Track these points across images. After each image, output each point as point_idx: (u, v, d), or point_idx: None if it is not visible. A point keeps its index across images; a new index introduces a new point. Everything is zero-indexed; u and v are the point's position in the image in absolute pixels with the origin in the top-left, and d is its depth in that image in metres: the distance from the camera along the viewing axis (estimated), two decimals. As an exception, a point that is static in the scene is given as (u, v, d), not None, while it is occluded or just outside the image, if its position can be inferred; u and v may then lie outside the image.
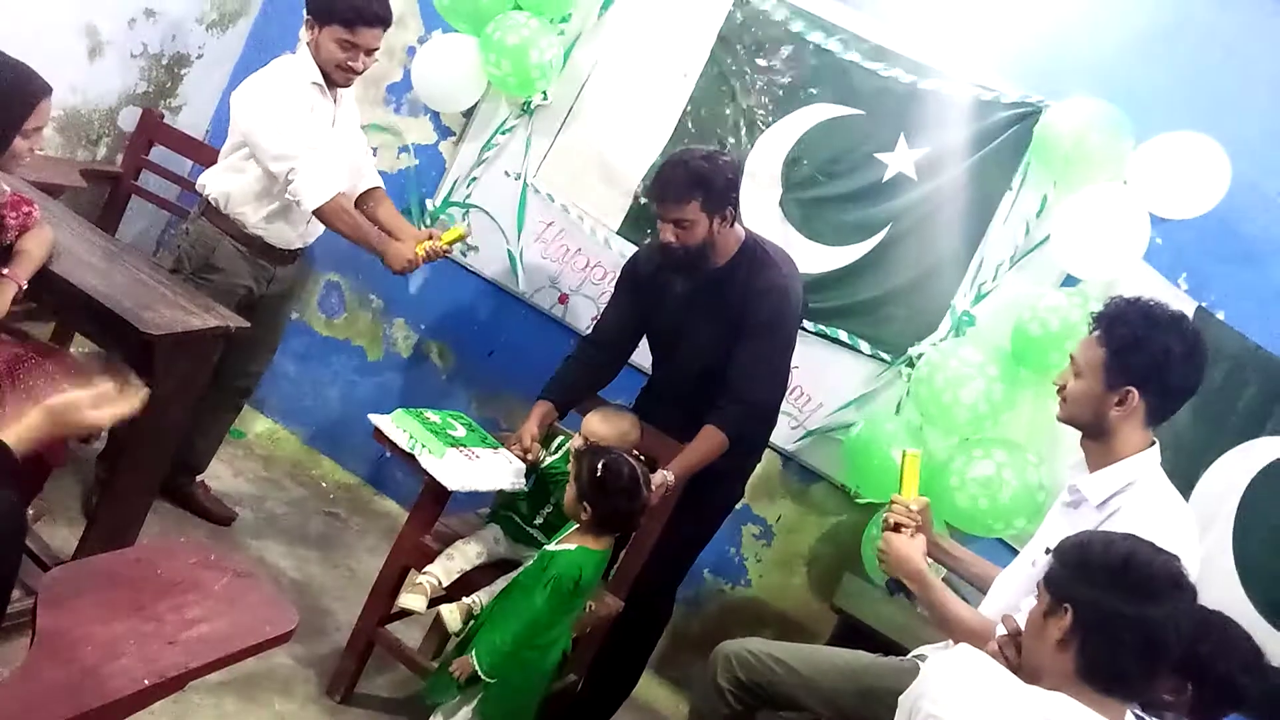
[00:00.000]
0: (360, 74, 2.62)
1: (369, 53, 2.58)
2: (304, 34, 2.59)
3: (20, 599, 2.15)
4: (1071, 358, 1.89)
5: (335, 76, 2.59)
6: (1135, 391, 1.79)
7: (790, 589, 3.15)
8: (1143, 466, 1.82)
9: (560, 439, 2.56)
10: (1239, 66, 2.72)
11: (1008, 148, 2.85)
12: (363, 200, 2.85)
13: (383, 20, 2.56)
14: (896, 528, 2.00)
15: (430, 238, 2.71)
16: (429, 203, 3.42)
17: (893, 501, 2.05)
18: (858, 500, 2.98)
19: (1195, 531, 1.80)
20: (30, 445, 1.58)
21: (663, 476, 2.34)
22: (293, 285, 2.88)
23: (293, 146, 2.50)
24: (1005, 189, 2.87)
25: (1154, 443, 1.85)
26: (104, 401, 1.64)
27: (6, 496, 1.67)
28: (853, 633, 2.57)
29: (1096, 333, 1.84)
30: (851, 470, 2.93)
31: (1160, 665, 1.43)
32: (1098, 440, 1.87)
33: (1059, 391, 1.91)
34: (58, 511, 2.61)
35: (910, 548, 1.96)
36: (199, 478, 2.96)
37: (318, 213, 2.56)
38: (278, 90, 2.54)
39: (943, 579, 2.14)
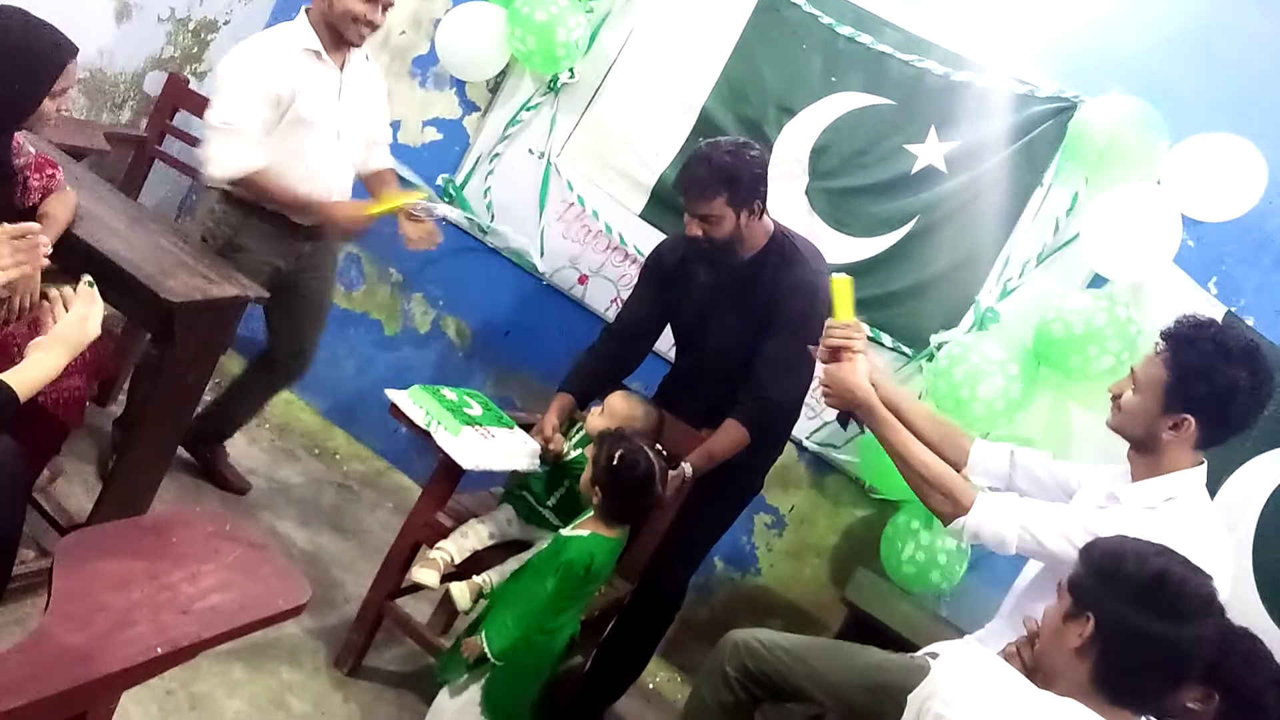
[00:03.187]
0: (376, 28, 2.55)
1: (385, 7, 2.53)
2: None
3: (35, 559, 2.17)
4: (1132, 371, 1.83)
5: (349, 33, 2.52)
6: (1192, 420, 1.74)
7: (801, 579, 3.14)
8: (1187, 483, 1.77)
9: (579, 425, 2.55)
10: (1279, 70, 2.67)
11: (1040, 143, 2.81)
12: (372, 180, 2.80)
13: None
14: (837, 355, 2.01)
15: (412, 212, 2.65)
16: (443, 177, 3.41)
17: (829, 327, 2.04)
18: (873, 494, 2.97)
19: (1230, 553, 1.76)
20: (46, 382, 1.60)
21: (681, 470, 2.33)
22: (325, 259, 2.83)
23: (218, 118, 2.47)
24: (1036, 185, 2.83)
25: (1202, 462, 1.80)
26: (87, 310, 1.68)
27: (4, 442, 1.67)
28: (863, 627, 2.56)
29: (1164, 353, 1.77)
30: (866, 468, 2.91)
31: (1178, 685, 1.41)
32: (1145, 455, 1.82)
33: (1114, 400, 1.85)
34: (74, 474, 2.62)
35: (851, 372, 1.97)
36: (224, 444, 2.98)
37: (237, 184, 2.51)
38: (241, 65, 2.48)
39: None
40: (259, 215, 2.60)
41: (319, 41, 2.54)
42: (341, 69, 2.61)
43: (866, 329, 2.06)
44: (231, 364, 3.56)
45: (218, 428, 2.92)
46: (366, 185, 2.83)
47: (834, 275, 2.09)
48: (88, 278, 1.73)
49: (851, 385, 1.96)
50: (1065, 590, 1.47)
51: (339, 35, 2.55)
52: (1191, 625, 1.36)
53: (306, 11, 2.56)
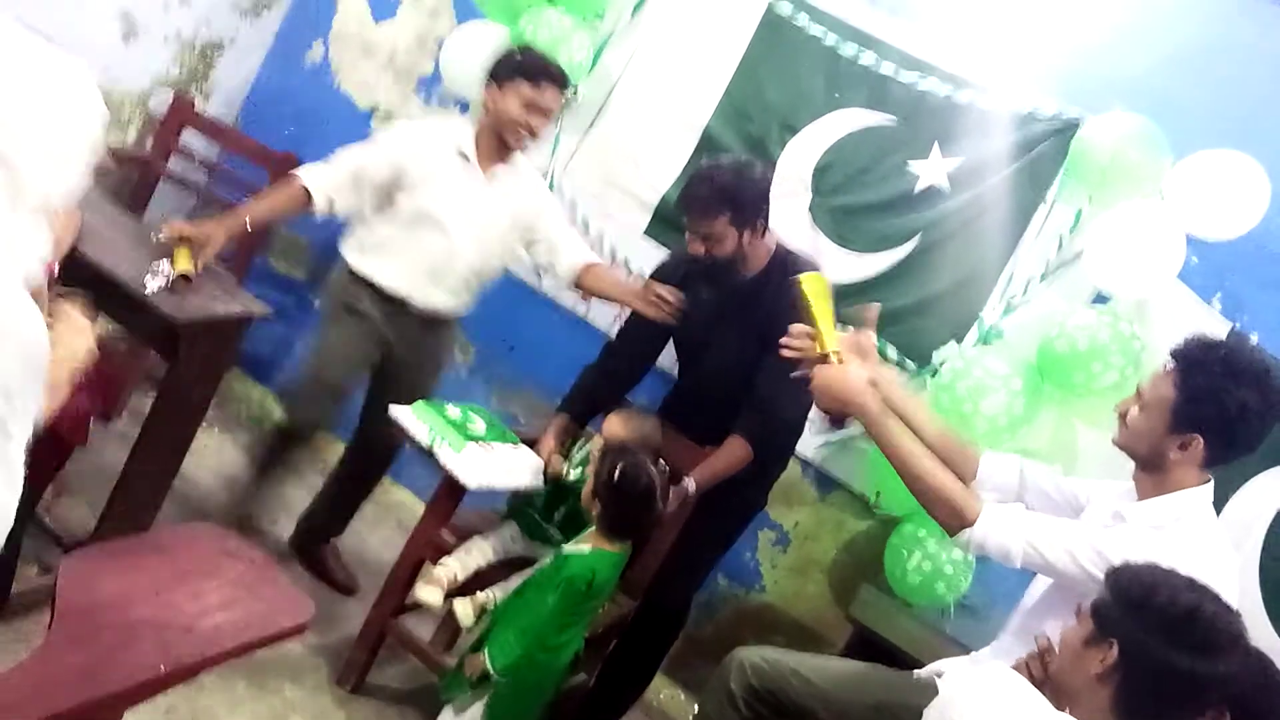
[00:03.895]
0: (536, 137, 2.58)
1: (546, 114, 2.55)
2: (485, 97, 2.56)
3: (38, 576, 2.17)
4: (1139, 389, 1.81)
5: (509, 137, 2.54)
6: (1200, 440, 1.72)
7: (805, 596, 3.13)
8: (1193, 502, 1.76)
9: (581, 442, 2.55)
10: (1281, 85, 2.67)
11: (1043, 161, 2.81)
12: (586, 280, 2.72)
13: (564, 83, 2.58)
14: (825, 359, 1.89)
15: (650, 294, 2.52)
16: None
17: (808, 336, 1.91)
18: (877, 510, 2.95)
19: (1237, 573, 1.75)
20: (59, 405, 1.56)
21: (684, 486, 2.32)
22: (424, 347, 2.76)
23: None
24: (1039, 202, 2.83)
25: (1209, 480, 1.78)
26: (83, 325, 1.63)
27: None
28: (868, 645, 2.55)
29: (1173, 372, 1.75)
30: (873, 479, 2.90)
31: (1200, 715, 1.40)
32: (1151, 474, 1.80)
33: (1120, 418, 1.83)
34: (77, 491, 2.62)
35: (845, 374, 1.84)
36: (332, 540, 2.94)
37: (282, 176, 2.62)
38: (388, 131, 2.64)
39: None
40: (372, 289, 2.61)
41: (473, 146, 2.57)
42: (490, 181, 2.60)
43: (842, 334, 1.93)
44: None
45: (324, 524, 2.89)
46: (586, 289, 2.74)
47: (801, 276, 1.95)
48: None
49: (846, 388, 1.84)
50: (1087, 615, 1.44)
51: (502, 143, 2.57)
52: (1218, 663, 1.34)
53: (483, 108, 2.60)
